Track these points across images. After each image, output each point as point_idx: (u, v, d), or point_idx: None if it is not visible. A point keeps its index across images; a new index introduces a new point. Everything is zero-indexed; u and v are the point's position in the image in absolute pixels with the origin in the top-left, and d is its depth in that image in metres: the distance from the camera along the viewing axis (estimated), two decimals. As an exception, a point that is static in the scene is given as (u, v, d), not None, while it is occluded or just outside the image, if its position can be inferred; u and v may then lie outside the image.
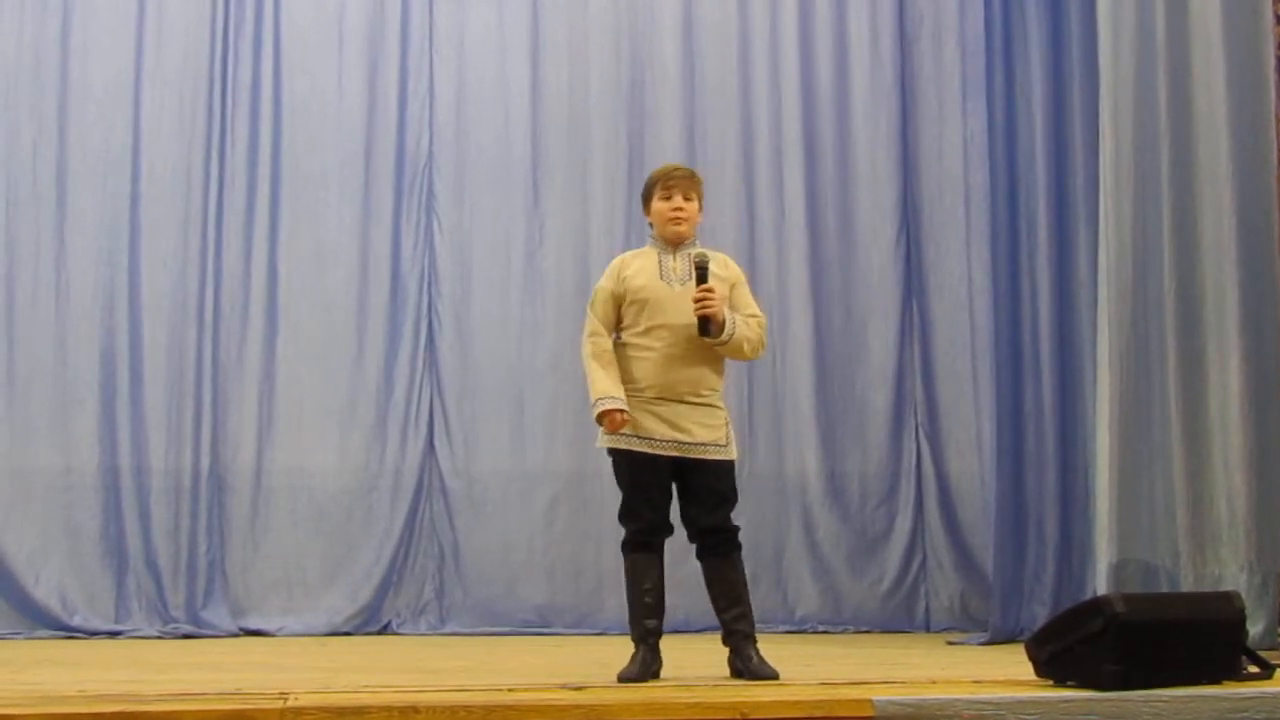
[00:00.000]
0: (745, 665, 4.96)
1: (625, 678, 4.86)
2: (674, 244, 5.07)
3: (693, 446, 4.98)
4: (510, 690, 4.61)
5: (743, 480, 8.07)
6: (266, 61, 8.13)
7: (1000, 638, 7.07)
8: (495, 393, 8.11)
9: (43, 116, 7.90)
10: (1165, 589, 6.11)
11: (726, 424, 5.08)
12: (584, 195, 8.32)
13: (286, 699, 4.30)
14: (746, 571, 7.90)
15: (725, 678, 4.99)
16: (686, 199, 5.05)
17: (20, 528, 7.62)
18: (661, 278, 5.02)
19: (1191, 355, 6.26)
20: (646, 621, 5.02)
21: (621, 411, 4.94)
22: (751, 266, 8.31)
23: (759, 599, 8.03)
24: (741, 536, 7.92)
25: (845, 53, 8.57)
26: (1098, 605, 4.61)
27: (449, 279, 8.14)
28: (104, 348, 7.82)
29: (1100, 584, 6.23)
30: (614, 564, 7.94)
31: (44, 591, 7.56)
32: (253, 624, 7.70)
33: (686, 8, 8.48)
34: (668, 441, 4.98)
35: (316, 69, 8.19)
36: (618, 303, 5.06)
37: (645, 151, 8.33)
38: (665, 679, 4.91)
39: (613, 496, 8.02)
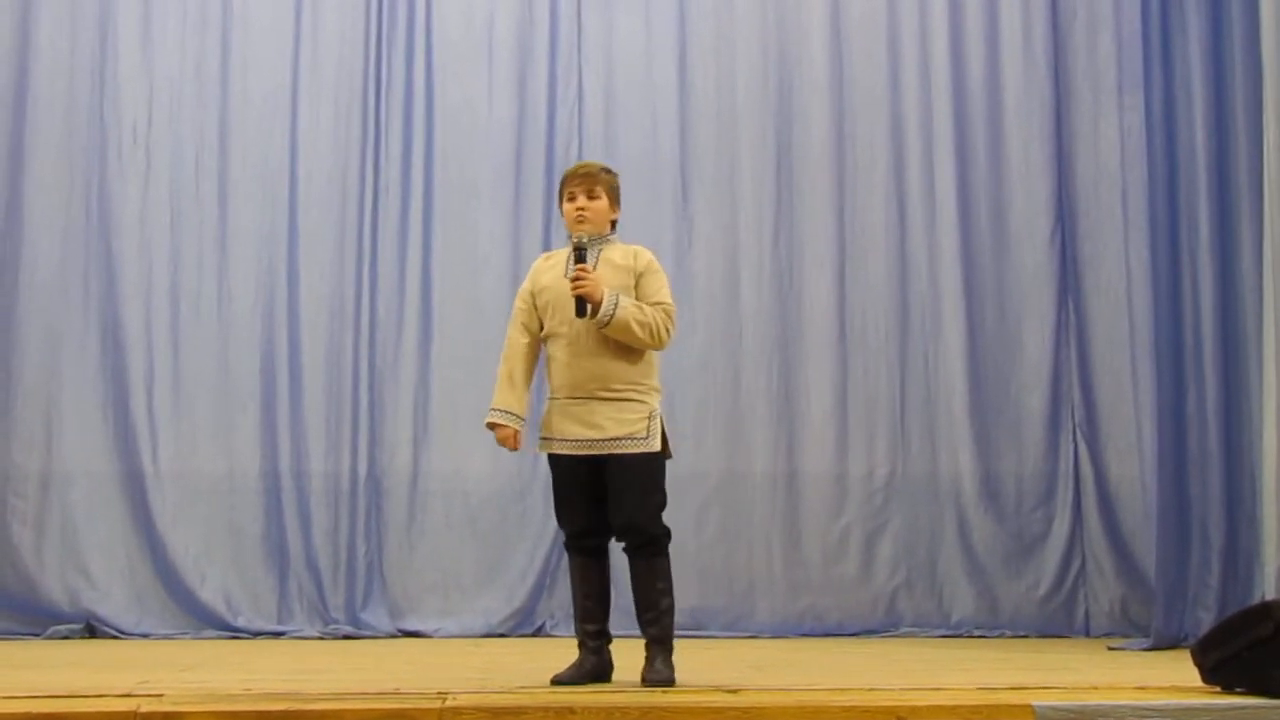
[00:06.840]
0: (646, 670, 4.94)
1: (557, 680, 4.89)
2: None
3: (604, 442, 4.93)
4: (665, 692, 4.64)
5: (894, 483, 8.15)
6: (419, 73, 8.26)
7: (1163, 643, 6.90)
8: (645, 395, 8.12)
9: (204, 130, 8.11)
10: (1337, 593, 5.94)
11: (649, 417, 4.97)
12: (732, 198, 8.30)
13: (445, 699, 4.37)
14: (899, 575, 7.99)
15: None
16: (591, 197, 5.19)
17: (187, 531, 7.82)
18: (566, 275, 5.07)
19: (1363, 352, 6.06)
20: (585, 625, 5.06)
21: (506, 427, 4.99)
22: (903, 266, 8.27)
23: (914, 602, 8.04)
24: (895, 539, 8.06)
25: (996, 47, 8.46)
26: (1267, 609, 4.51)
27: (599, 283, 8.16)
28: (264, 355, 8.00)
29: (1268, 588, 6.07)
30: (766, 566, 8.00)
31: (210, 593, 7.75)
32: (410, 625, 7.81)
33: (833, 6, 8.43)
34: (581, 440, 4.95)
35: (467, 79, 8.29)
36: (534, 300, 5.14)
37: (794, 153, 8.31)
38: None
39: (766, 499, 8.11)
